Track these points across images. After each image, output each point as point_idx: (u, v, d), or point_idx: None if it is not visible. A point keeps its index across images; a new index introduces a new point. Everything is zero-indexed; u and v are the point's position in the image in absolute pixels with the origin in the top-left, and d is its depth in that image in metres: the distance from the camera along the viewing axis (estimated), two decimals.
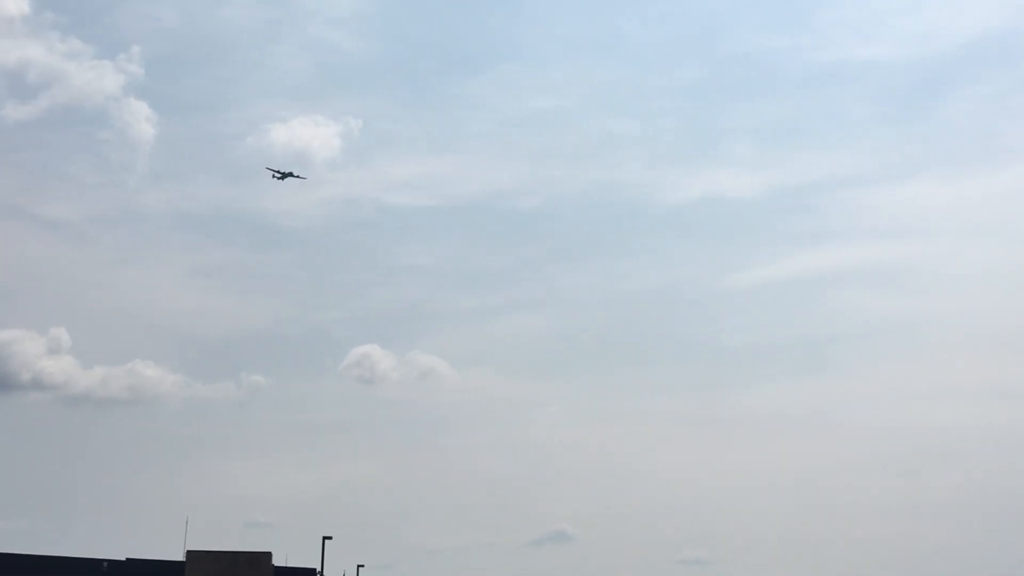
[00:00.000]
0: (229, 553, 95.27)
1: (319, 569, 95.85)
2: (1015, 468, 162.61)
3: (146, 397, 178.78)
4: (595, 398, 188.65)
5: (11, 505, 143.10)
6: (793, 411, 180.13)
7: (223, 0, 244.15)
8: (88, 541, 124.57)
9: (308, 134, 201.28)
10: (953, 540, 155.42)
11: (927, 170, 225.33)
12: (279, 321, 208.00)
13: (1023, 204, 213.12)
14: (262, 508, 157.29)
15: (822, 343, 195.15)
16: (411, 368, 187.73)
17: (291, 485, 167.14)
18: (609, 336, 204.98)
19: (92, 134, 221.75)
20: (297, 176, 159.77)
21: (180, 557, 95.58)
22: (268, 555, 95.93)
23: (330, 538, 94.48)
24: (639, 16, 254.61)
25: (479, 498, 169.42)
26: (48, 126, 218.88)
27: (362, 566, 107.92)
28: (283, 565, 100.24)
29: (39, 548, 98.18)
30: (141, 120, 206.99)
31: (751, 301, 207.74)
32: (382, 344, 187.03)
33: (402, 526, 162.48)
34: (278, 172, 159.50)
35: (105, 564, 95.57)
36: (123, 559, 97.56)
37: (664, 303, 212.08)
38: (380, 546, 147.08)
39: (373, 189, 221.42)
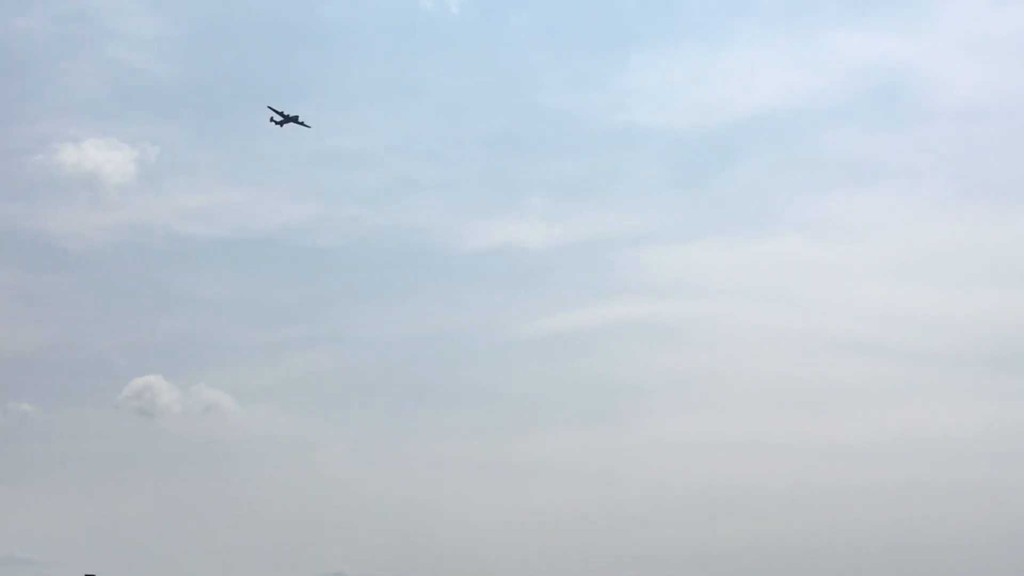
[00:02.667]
0: None
1: None
2: (787, 519, 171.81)
3: None
4: (382, 439, 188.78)
5: None
6: (576, 459, 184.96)
7: (18, 10, 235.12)
8: None
9: (101, 156, 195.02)
10: None
11: (708, 234, 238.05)
12: (53, 347, 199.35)
13: (794, 271, 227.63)
14: (22, 542, 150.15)
15: (605, 394, 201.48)
16: (195, 401, 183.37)
17: (56, 519, 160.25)
18: (398, 377, 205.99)
19: None
20: (302, 123, 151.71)
21: None
22: None
23: None
24: (445, 65, 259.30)
25: (258, 537, 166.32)
26: None
27: None
28: None
29: None
30: None
31: (539, 350, 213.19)
32: (165, 375, 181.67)
33: (174, 565, 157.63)
34: (280, 114, 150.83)
35: None
36: None
37: (454, 348, 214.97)
38: None
39: (165, 216, 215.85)
